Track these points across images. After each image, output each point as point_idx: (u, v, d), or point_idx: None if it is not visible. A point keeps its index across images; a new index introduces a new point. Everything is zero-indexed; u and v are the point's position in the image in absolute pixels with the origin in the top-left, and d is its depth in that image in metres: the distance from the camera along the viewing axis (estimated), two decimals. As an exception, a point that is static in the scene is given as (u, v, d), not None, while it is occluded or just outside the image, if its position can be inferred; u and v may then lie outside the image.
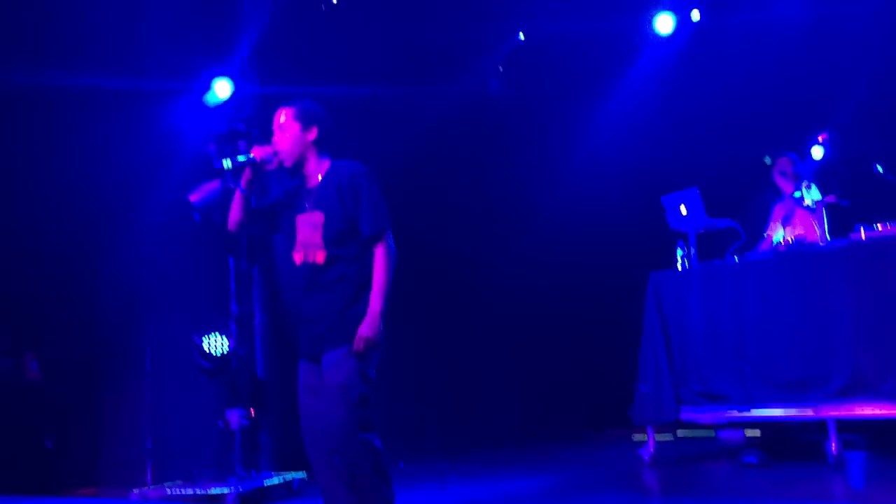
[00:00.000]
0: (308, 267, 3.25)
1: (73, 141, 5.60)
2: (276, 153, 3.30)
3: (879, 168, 5.51)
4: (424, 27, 7.07)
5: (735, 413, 5.35)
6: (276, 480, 5.29)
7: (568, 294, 8.02)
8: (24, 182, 5.51)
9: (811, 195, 6.01)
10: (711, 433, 6.67)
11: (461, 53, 7.53)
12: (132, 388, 5.64)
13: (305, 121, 3.33)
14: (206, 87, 5.82)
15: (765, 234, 6.16)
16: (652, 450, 5.66)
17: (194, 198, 3.31)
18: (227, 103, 5.74)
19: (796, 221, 6.04)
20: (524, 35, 7.85)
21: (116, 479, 5.66)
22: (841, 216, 5.80)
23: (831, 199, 5.89)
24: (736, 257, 5.66)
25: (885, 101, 6.72)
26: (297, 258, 3.28)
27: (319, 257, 3.23)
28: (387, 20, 6.92)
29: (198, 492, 4.98)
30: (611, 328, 7.34)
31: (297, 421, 3.31)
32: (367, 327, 3.15)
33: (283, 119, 3.35)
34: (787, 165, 6.14)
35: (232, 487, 4.90)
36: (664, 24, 7.58)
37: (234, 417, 5.24)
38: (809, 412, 4.94)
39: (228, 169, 3.24)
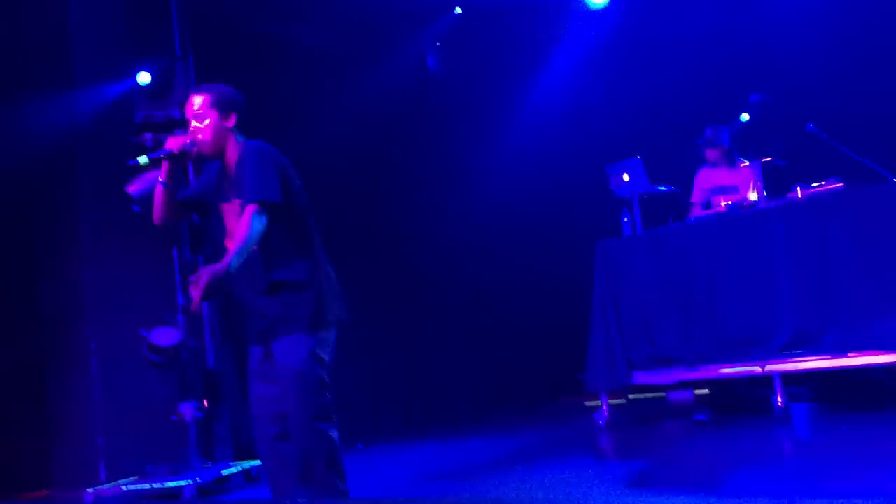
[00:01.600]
0: None
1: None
2: (193, 143, 3.13)
3: (812, 128, 5.63)
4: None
5: (684, 373, 5.47)
6: (234, 469, 5.24)
7: (518, 267, 8.07)
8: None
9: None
10: (662, 395, 6.82)
11: (398, 27, 7.46)
12: (79, 386, 5.51)
13: (223, 108, 3.16)
14: (133, 76, 5.67)
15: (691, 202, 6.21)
16: (606, 414, 5.77)
17: (132, 189, 3.19)
18: (161, 91, 5.59)
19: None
20: (461, 9, 7.81)
21: (69, 480, 5.54)
22: (778, 176, 5.92)
23: (768, 159, 5.99)
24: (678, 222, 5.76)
25: (816, 61, 6.85)
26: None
27: None
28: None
29: (154, 486, 4.91)
30: (561, 298, 7.42)
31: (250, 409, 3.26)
32: (206, 273, 2.84)
33: (199, 107, 3.15)
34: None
35: (189, 480, 4.84)
36: None
37: (187, 410, 5.17)
38: (756, 368, 5.08)
39: (145, 164, 3.07)
